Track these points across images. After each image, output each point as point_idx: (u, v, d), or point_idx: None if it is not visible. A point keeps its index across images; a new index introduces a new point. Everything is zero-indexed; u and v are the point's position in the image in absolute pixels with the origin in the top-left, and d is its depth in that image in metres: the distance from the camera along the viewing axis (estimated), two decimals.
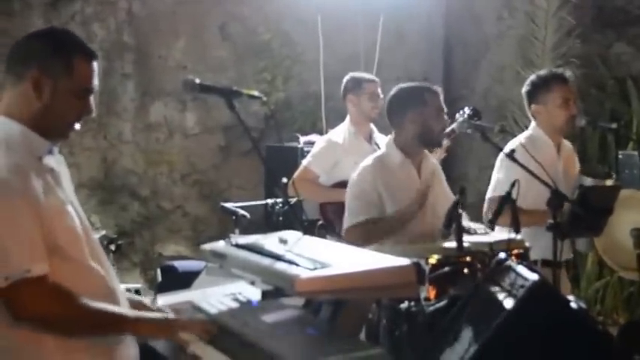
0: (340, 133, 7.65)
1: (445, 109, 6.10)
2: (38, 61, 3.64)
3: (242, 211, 7.06)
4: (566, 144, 6.93)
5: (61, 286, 3.50)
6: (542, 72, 6.92)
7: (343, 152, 7.12)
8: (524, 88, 6.83)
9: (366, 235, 5.75)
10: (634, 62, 10.01)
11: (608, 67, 10.06)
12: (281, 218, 6.60)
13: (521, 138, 6.69)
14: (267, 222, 7.11)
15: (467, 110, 6.91)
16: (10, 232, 3.41)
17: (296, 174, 7.45)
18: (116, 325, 3.71)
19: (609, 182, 6.42)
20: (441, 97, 6.11)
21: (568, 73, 6.92)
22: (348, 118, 7.68)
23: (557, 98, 6.69)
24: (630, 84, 9.80)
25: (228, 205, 7.19)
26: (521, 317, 4.43)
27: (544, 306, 4.53)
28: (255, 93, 5.21)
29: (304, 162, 7.63)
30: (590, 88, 9.93)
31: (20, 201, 3.44)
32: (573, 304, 4.75)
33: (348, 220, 5.96)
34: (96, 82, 3.74)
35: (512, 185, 6.00)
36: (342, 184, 6.70)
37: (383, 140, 6.99)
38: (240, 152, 9.27)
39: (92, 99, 3.74)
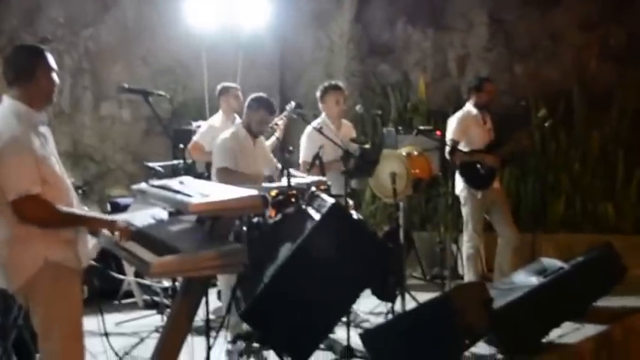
0: (216, 120, 7.69)
1: (268, 122, 6.39)
2: (38, 65, 3.81)
3: (158, 168, 7.06)
4: (346, 123, 7.10)
5: (48, 200, 3.62)
6: (325, 83, 7.05)
7: (218, 131, 7.11)
8: (317, 94, 6.99)
9: (225, 177, 5.87)
10: (391, 75, 10.15)
11: (377, 78, 10.18)
12: (182, 172, 6.57)
13: (316, 121, 6.82)
14: (174, 174, 7.08)
15: (293, 103, 6.99)
16: (20, 168, 3.57)
17: (189, 145, 7.48)
18: (80, 221, 3.82)
19: (367, 145, 6.60)
20: (271, 116, 6.37)
21: (340, 83, 7.08)
22: (220, 111, 7.73)
23: (332, 99, 6.84)
24: (389, 89, 9.96)
25: (150, 164, 7.18)
26: (325, 223, 4.56)
27: (338, 217, 4.66)
28: (162, 93, 5.34)
29: (195, 137, 7.65)
30: (366, 91, 10.07)
31: (26, 150, 3.60)
32: (355, 216, 4.91)
33: (215, 164, 6.16)
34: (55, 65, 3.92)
35: (320, 148, 6.15)
36: None
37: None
38: (157, 133, 9.21)
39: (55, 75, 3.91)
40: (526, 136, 7.37)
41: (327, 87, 6.98)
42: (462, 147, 7.19)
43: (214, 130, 7.33)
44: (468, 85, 7.51)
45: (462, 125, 7.22)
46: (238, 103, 7.46)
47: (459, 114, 7.35)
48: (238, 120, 7.31)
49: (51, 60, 3.87)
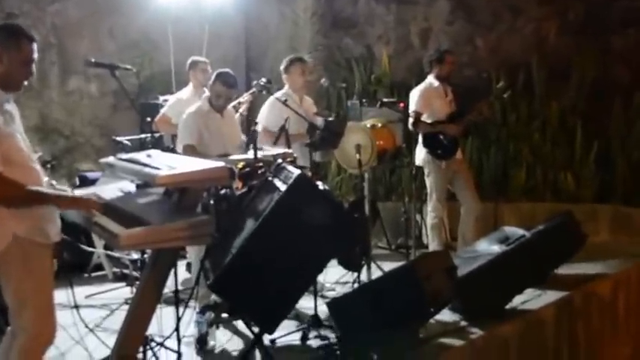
0: (185, 93, 7.59)
1: (227, 96, 6.11)
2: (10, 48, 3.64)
3: (126, 142, 6.95)
4: (307, 99, 7.06)
5: (13, 179, 3.50)
6: (289, 57, 6.99)
7: (186, 104, 6.95)
8: (281, 67, 6.93)
9: (189, 154, 5.79)
10: (354, 49, 10.08)
11: (340, 52, 10.11)
12: (150, 146, 6.47)
13: (279, 93, 6.75)
14: (142, 148, 6.97)
15: (263, 79, 6.83)
16: None
17: (157, 117, 7.39)
18: (45, 200, 3.66)
19: (331, 118, 6.57)
20: (227, 89, 6.06)
21: (305, 56, 7.04)
22: (191, 84, 7.62)
23: (297, 70, 6.81)
24: (353, 62, 9.91)
25: (118, 138, 7.07)
26: (291, 194, 4.51)
27: (303, 188, 4.61)
28: (129, 67, 5.22)
29: (162, 110, 7.57)
30: (331, 64, 10.01)
31: None
32: (321, 187, 4.86)
33: (179, 141, 6.05)
34: (35, 55, 3.73)
35: (286, 120, 6.10)
36: None
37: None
38: (124, 107, 9.07)
39: (33, 66, 3.72)
40: (487, 106, 7.37)
41: (292, 59, 6.94)
42: (425, 118, 7.16)
43: (182, 103, 7.23)
44: (429, 58, 7.48)
45: (424, 97, 7.20)
46: (206, 77, 7.36)
47: (420, 86, 7.33)
48: (207, 94, 7.23)
49: (31, 48, 3.70)
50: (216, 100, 6.11)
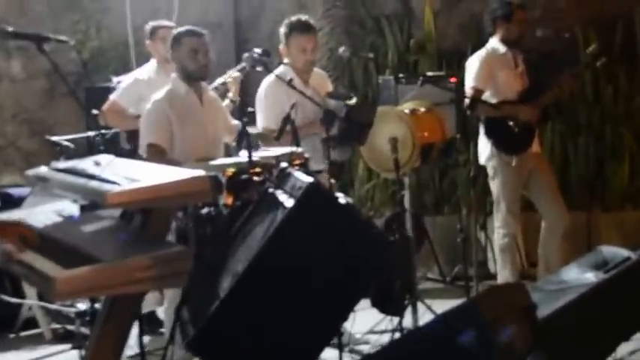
0: (146, 71, 7.52)
1: (205, 50, 6.09)
2: None
3: (66, 142, 6.94)
4: (317, 72, 6.98)
5: None
6: (292, 18, 6.87)
7: (148, 87, 6.90)
8: (280, 31, 6.84)
9: (154, 158, 5.76)
10: (386, 5, 10.03)
11: (366, 8, 10.07)
12: (101, 148, 6.44)
13: (276, 72, 6.64)
14: (90, 152, 6.96)
15: (257, 50, 6.74)
16: None
17: (105, 106, 7.32)
18: None
19: (351, 102, 6.49)
20: (201, 40, 6.09)
21: (311, 21, 6.88)
22: (153, 60, 7.58)
23: (296, 45, 6.71)
24: (384, 22, 9.86)
25: (54, 138, 7.06)
26: (301, 212, 4.49)
27: (318, 202, 4.59)
28: (63, 38, 5.18)
29: (112, 96, 7.47)
30: (353, 26, 9.97)
31: None
32: (341, 200, 4.83)
33: (143, 140, 6.06)
34: None
35: (292, 108, 6.09)
36: None
37: None
38: (62, 94, 9.09)
39: None
40: (572, 79, 7.35)
41: (291, 25, 6.79)
42: (488, 97, 7.16)
43: (141, 86, 7.17)
44: (492, 15, 7.44)
45: (486, 68, 7.21)
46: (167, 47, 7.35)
47: (480, 53, 7.35)
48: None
49: None
50: (190, 59, 6.08)
